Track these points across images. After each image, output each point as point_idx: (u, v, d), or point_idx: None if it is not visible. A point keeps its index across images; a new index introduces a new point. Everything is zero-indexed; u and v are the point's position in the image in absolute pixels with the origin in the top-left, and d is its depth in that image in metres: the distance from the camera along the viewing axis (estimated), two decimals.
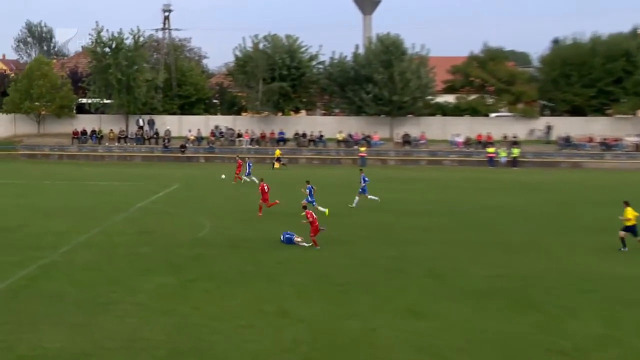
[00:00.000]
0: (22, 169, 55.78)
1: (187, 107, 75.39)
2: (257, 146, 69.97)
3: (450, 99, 76.11)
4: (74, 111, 73.95)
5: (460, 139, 69.60)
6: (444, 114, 74.99)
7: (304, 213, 27.68)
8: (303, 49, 74.07)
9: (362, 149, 67.91)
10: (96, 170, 51.38)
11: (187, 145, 68.67)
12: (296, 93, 73.95)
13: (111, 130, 70.42)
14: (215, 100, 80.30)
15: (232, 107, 77.34)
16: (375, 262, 24.58)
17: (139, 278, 22.21)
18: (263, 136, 70.72)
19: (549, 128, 71.31)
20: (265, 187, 34.70)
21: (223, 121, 73.30)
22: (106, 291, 20.63)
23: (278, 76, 71.64)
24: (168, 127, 70.41)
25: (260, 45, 73.12)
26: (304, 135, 70.61)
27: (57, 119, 71.57)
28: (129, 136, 70.48)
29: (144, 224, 31.68)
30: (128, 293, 20.48)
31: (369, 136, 70.49)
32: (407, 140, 70.52)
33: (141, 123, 71.09)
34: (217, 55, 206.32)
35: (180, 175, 53.84)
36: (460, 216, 34.99)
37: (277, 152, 64.41)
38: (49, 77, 70.23)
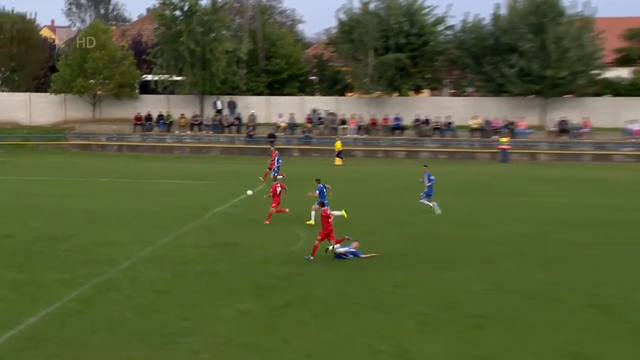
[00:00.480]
0: (73, 163, 57.88)
1: (277, 86, 76.31)
2: (365, 135, 70.07)
3: (624, 73, 74.06)
4: (137, 91, 76.00)
5: (638, 127, 67.68)
6: (616, 94, 73.03)
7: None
8: (426, 10, 73.72)
9: (504, 139, 67.06)
10: (163, 166, 52.70)
11: (276, 134, 69.47)
12: (417, 67, 73.58)
13: (182, 114, 72.07)
14: (312, 77, 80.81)
15: (334, 86, 77.72)
16: (518, 287, 24.21)
17: (217, 303, 22.63)
18: (374, 123, 70.74)
19: None
20: (278, 188, 34.88)
21: (322, 103, 73.77)
22: (176, 319, 21.11)
23: (393, 45, 71.49)
24: (253, 111, 71.45)
25: (371, 6, 73.26)
26: (427, 121, 70.30)
27: (116, 101, 73.82)
28: (204, 122, 71.96)
29: (223, 235, 32.26)
30: (203, 322, 20.89)
31: (512, 123, 69.52)
32: (564, 128, 69.17)
33: (219, 106, 72.49)
34: (316, 19, 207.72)
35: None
36: (635, 229, 34.06)
37: (338, 144, 64.01)
38: (106, 49, 72.43)
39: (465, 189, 45.52)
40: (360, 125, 70.25)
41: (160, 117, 71.78)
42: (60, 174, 50.44)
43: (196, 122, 71.67)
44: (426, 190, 37.85)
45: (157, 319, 21.05)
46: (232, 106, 72.58)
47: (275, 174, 47.51)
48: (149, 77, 76.77)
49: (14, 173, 52.62)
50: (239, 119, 71.61)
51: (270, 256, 28.46)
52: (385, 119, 70.72)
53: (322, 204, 29.08)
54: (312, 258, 27.44)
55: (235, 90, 74.27)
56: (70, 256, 28.15)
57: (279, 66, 75.83)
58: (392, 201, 41.72)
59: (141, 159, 62.31)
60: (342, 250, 27.99)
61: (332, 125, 70.58)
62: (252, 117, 70.84)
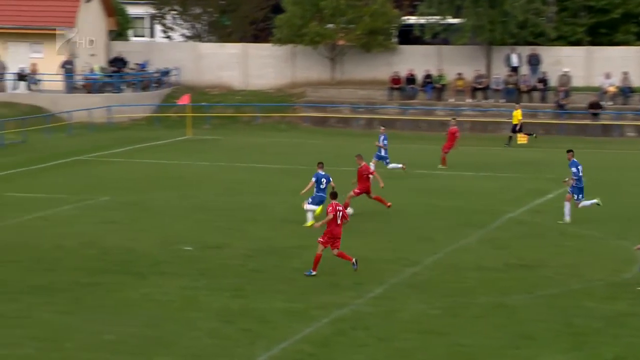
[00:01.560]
0: (306, 145, 59.46)
1: (603, 31, 75.25)
2: None
3: None
4: (395, 40, 77.01)
5: None
6: None
7: None
8: None
9: None
10: (429, 149, 52.97)
11: (602, 103, 68.63)
12: None
13: (459, 74, 72.46)
14: None
15: None
16: None
17: (510, 352, 22.82)
18: None
19: None
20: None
21: None
22: None
23: None
24: (566, 70, 70.88)
25: None
26: None
27: (364, 55, 75.04)
28: (493, 86, 72.06)
29: (520, 252, 32.39)
30: None
31: None
32: None
33: (515, 62, 72.42)
34: None
35: (587, 159, 53.90)
36: None
37: (517, 114, 62.87)
38: None
39: None
40: None
41: (428, 77, 72.44)
42: (287, 161, 52.04)
43: (480, 86, 71.86)
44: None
45: None
46: (534, 62, 72.27)
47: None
48: (412, 20, 77.59)
49: (223, 158, 54.71)
50: (544, 80, 71.19)
51: (592, 286, 28.31)
52: None
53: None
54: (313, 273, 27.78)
55: (539, 39, 73.77)
56: (301, 277, 29.18)
57: (606, 2, 74.74)
58: None
59: (400, 139, 62.94)
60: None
61: None
62: (565, 79, 70.26)
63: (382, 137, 47.90)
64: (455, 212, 39.14)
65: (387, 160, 47.23)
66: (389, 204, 37.73)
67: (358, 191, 37.32)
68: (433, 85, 72.29)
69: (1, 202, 39.35)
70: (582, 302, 26.79)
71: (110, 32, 77.78)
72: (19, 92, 69.06)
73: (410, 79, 72.69)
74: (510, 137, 62.51)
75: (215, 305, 26.32)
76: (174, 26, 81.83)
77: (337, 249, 29.24)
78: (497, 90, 71.89)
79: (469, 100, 71.75)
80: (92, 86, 70.75)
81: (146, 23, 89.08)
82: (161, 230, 35.60)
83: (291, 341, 23.53)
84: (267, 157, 55.21)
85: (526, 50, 72.61)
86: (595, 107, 67.89)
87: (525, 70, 72.34)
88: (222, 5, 79.14)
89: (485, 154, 57.01)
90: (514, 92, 71.15)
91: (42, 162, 50.87)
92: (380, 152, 47.41)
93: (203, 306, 26.27)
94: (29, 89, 69.28)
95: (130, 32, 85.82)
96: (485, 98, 71.82)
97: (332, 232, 29.11)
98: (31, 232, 34.77)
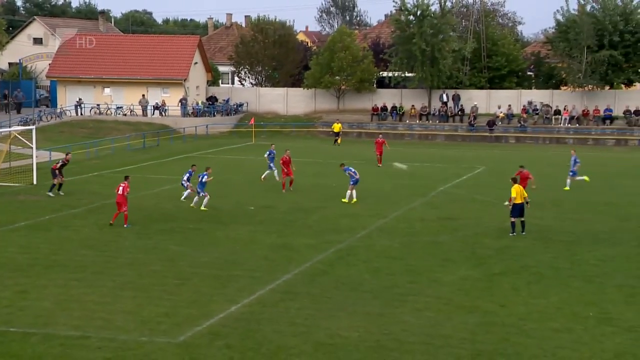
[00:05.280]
0: (320, 148, 59.55)
1: (496, 81, 74.98)
2: (577, 125, 67.57)
3: None
4: (374, 85, 77.01)
5: None
6: None
7: None
8: None
9: None
10: (395, 150, 53.23)
11: (495, 123, 68.40)
12: (629, 63, 69.89)
13: (412, 106, 72.33)
14: (529, 73, 78.78)
15: (550, 81, 75.32)
16: None
17: (440, 269, 22.84)
18: (586, 113, 67.97)
19: None
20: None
21: (538, 96, 71.76)
22: (404, 281, 21.52)
23: (607, 43, 68.19)
24: (475, 103, 70.68)
25: (588, 8, 70.14)
26: (637, 112, 66.69)
27: (356, 94, 75.10)
28: (432, 113, 71.94)
29: (446, 211, 32.36)
30: (428, 285, 21.17)
31: None
32: None
33: (445, 98, 72.17)
34: (534, 20, 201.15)
35: (487, 156, 53.93)
36: None
37: (336, 127, 63.16)
38: (350, 50, 73.78)
39: None
40: (573, 116, 67.73)
41: (394, 108, 72.31)
42: (310, 157, 52.07)
43: (424, 113, 71.66)
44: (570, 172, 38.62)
45: (388, 281, 21.54)
46: (456, 99, 72.03)
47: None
48: (385, 74, 77.39)
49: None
50: (462, 110, 71.01)
51: (488, 230, 28.30)
52: (596, 110, 67.72)
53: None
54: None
55: (459, 85, 73.54)
56: (318, 225, 29.25)
57: (499, 63, 74.45)
58: (597, 184, 40.14)
59: (372, 145, 62.75)
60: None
61: (546, 115, 68.37)
62: (474, 109, 70.11)
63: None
64: (410, 187, 39.08)
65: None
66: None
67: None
68: (397, 112, 72.16)
69: (142, 180, 39.40)
70: (481, 239, 26.77)
71: (208, 81, 77.87)
72: (155, 116, 69.08)
73: (384, 108, 72.62)
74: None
75: (267, 241, 26.36)
76: (246, 78, 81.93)
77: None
78: (434, 115, 71.63)
79: (417, 122, 71.56)
80: (197, 113, 70.80)
81: (229, 76, 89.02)
82: (235, 196, 35.62)
83: (311, 262, 23.58)
84: (299, 154, 55.23)
85: (452, 92, 72.41)
86: (491, 125, 67.76)
87: (451, 103, 72.09)
88: (274, 66, 79.26)
89: (426, 153, 56.81)
90: (444, 117, 70.93)
91: (166, 157, 50.97)
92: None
93: (260, 242, 26.31)
94: (161, 114, 69.30)
95: (219, 81, 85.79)
96: (427, 120, 71.55)
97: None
98: (159, 198, 34.86)
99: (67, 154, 37.87)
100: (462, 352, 16.19)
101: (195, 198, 32.37)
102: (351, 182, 33.85)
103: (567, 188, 37.90)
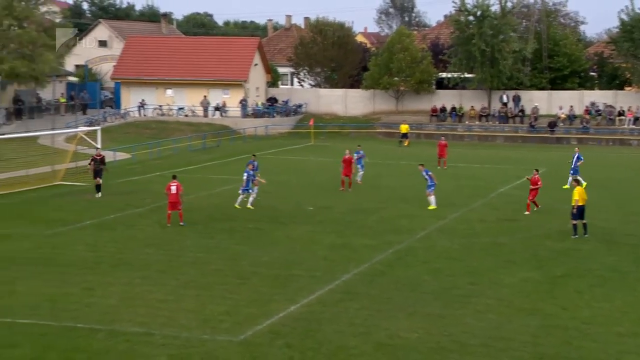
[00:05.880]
0: (379, 148, 59.37)
1: (558, 82, 73.85)
2: None
3: None
4: (434, 86, 76.54)
5: None
6: None
7: None
8: None
9: None
10: (455, 151, 52.74)
11: (557, 124, 67.39)
12: None
13: (472, 107, 71.74)
14: (592, 73, 77.40)
15: (613, 81, 73.91)
16: None
17: (501, 271, 22.61)
18: None
19: None
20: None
21: (601, 97, 70.49)
22: (465, 283, 21.35)
23: None
24: (536, 104, 69.77)
25: None
26: None
27: (415, 95, 74.75)
28: (491, 114, 71.23)
29: (506, 212, 32.04)
30: (489, 286, 20.97)
31: None
32: None
33: (505, 99, 71.37)
34: (597, 20, 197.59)
35: (547, 158, 53.14)
36: None
37: (403, 128, 63.73)
38: (409, 50, 73.42)
39: None
40: (637, 117, 66.31)
41: (453, 109, 71.79)
42: (369, 157, 52.03)
43: (484, 114, 71.00)
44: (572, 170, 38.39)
45: (448, 282, 21.40)
46: (516, 100, 71.16)
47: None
48: (444, 75, 76.77)
49: (331, 155, 54.74)
50: (522, 111, 70.13)
51: (549, 232, 27.92)
52: None
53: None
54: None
55: (519, 86, 72.64)
56: (377, 226, 29.20)
57: (561, 64, 73.30)
58: None
59: (436, 146, 62.46)
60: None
61: (609, 116, 67.17)
62: (535, 109, 69.19)
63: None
64: (469, 188, 38.79)
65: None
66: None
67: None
68: (456, 113, 71.62)
69: (204, 180, 39.86)
70: (543, 241, 26.44)
71: (268, 82, 78.29)
72: (216, 117, 69.76)
73: (443, 109, 72.16)
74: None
75: (326, 241, 26.43)
76: (305, 79, 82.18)
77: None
78: (494, 116, 70.97)
79: (477, 122, 70.94)
80: (257, 114, 71.33)
81: (288, 77, 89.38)
82: (294, 196, 35.69)
83: (370, 263, 23.56)
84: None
85: (512, 93, 71.62)
86: (552, 126, 66.79)
87: (511, 104, 71.30)
88: (333, 67, 79.36)
89: (486, 154, 56.26)
90: (504, 118, 70.20)
91: (227, 158, 51.42)
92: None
93: (319, 242, 26.39)
94: (221, 115, 69.95)
95: (279, 82, 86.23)
96: (487, 121, 70.92)
97: None
98: (220, 198, 35.18)
99: (97, 150, 38.28)
100: (524, 355, 16.01)
101: (243, 197, 32.46)
102: (430, 188, 32.95)
103: (567, 187, 37.12)
